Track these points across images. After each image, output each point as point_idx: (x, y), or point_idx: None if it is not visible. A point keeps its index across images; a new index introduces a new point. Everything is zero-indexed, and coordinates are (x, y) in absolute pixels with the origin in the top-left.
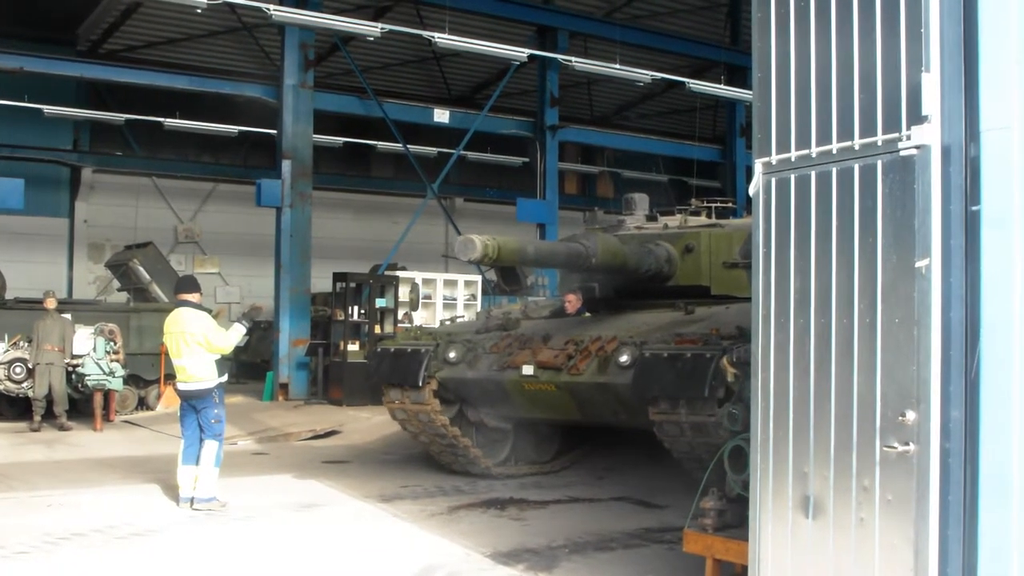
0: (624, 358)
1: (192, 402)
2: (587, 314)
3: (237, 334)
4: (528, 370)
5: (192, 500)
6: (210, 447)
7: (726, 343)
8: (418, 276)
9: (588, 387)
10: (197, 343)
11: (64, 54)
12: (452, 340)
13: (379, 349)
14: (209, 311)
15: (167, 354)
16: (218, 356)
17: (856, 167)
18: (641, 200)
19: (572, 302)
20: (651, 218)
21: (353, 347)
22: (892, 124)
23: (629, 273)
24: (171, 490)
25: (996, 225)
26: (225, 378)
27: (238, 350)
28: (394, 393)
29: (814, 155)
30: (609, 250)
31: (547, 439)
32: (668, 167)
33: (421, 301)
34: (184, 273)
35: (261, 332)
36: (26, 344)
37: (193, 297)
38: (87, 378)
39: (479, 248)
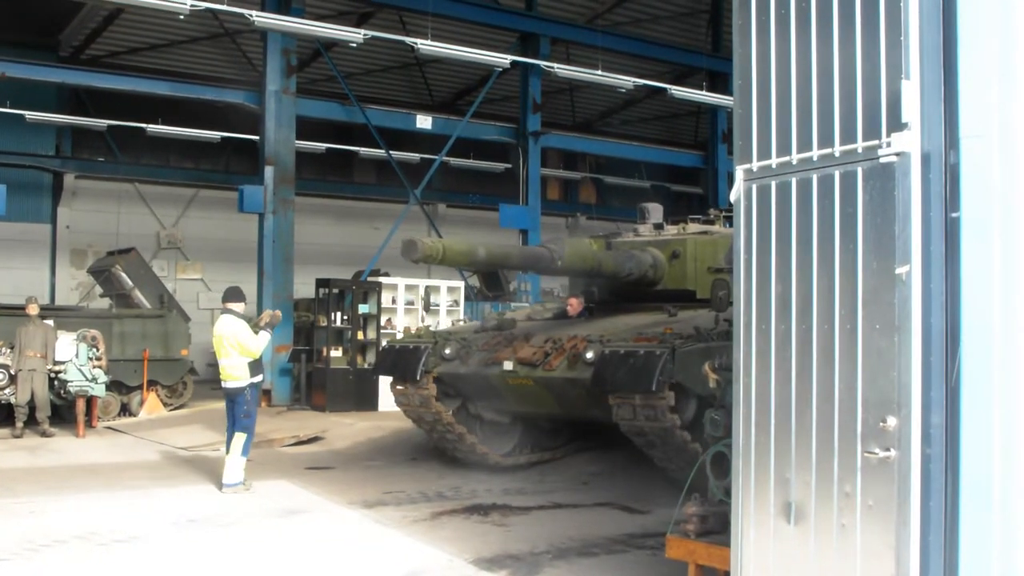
0: (589, 355)
1: (230, 397)
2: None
3: (264, 340)
4: (508, 365)
5: (221, 485)
6: (238, 438)
7: (677, 342)
8: (401, 282)
9: (560, 382)
10: (231, 346)
11: (46, 60)
12: (449, 338)
13: (386, 346)
14: (249, 319)
15: (149, 360)
16: (250, 359)
17: (837, 174)
18: (655, 209)
19: (574, 305)
20: (658, 226)
21: (336, 353)
22: (872, 131)
23: (607, 277)
24: (154, 496)
25: (975, 232)
26: (259, 379)
27: None
28: (398, 387)
29: (795, 162)
30: (578, 254)
31: (555, 430)
32: (651, 173)
33: (404, 307)
34: (163, 276)
35: None
36: (8, 350)
37: (237, 307)
38: (70, 384)
39: (420, 249)
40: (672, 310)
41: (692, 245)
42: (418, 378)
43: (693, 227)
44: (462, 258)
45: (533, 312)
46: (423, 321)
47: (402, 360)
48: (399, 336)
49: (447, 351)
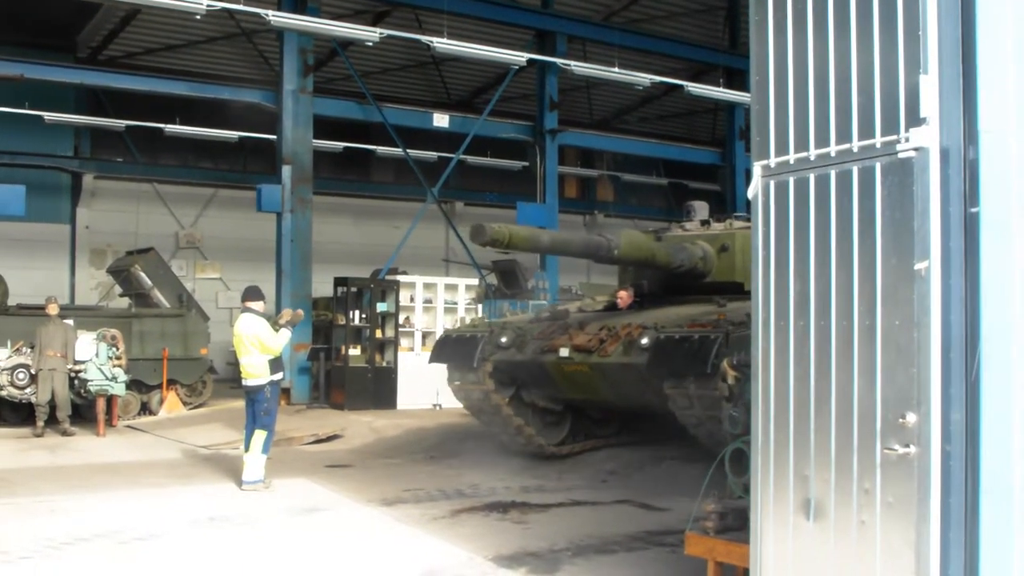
0: (645, 341)
1: (250, 395)
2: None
3: (284, 337)
4: (564, 352)
5: (241, 483)
6: (259, 436)
7: (731, 327)
8: (419, 280)
9: (615, 367)
10: (251, 344)
11: (64, 61)
12: (505, 328)
13: (442, 335)
14: (269, 317)
15: (169, 359)
16: (271, 357)
17: (855, 169)
18: (700, 207)
19: (624, 298)
20: (704, 223)
21: (354, 351)
22: (890, 126)
23: (660, 267)
24: (174, 495)
25: (995, 227)
26: (279, 376)
27: None
28: (454, 374)
29: (812, 158)
30: (633, 244)
31: (605, 420)
32: (668, 170)
33: (422, 305)
34: (182, 276)
35: None
36: (29, 350)
37: (257, 305)
38: (90, 383)
39: (488, 233)
40: (721, 301)
41: (741, 239)
42: (475, 366)
43: (739, 224)
44: (526, 243)
45: (584, 305)
46: (407, 323)
47: (459, 348)
48: (417, 335)
49: (503, 339)
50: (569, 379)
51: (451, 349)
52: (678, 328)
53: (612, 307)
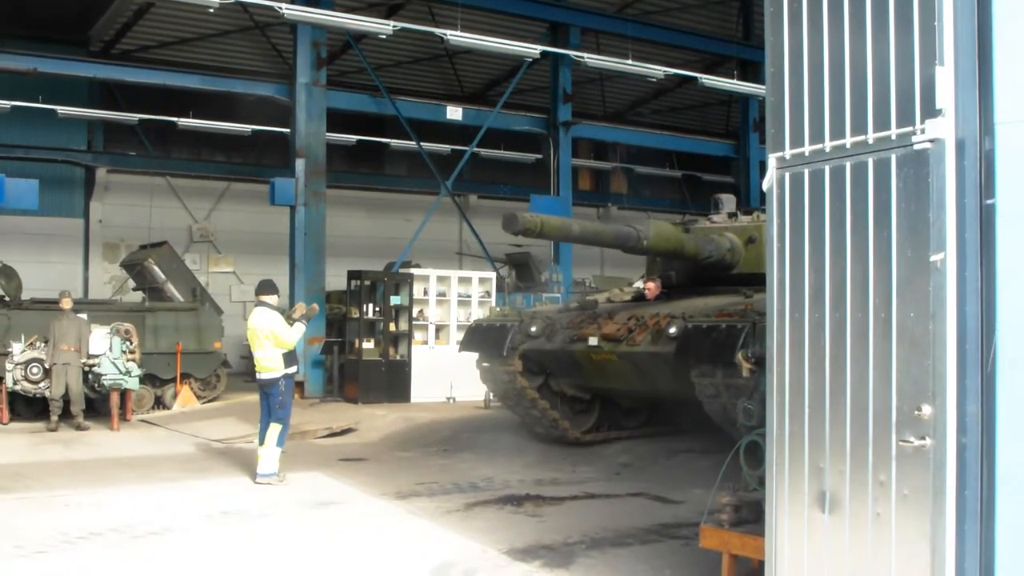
0: (672, 330)
1: (264, 389)
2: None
3: (298, 331)
4: (593, 341)
5: (256, 476)
6: (274, 429)
7: (758, 317)
8: (432, 273)
9: (643, 356)
10: (265, 338)
11: (77, 55)
12: (534, 317)
13: (473, 324)
14: (281, 311)
15: (182, 353)
16: (285, 350)
17: (870, 161)
18: (728, 200)
19: (651, 289)
20: (732, 215)
21: (368, 345)
22: (906, 118)
23: (688, 259)
24: (188, 488)
25: (1011, 219)
26: (293, 370)
27: None
28: (484, 362)
29: (828, 149)
30: (662, 235)
31: (633, 410)
32: (681, 163)
33: (436, 298)
34: (196, 270)
35: None
36: (43, 344)
37: (271, 299)
38: (103, 378)
39: (520, 222)
40: (748, 292)
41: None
42: (504, 354)
43: (765, 217)
44: (558, 232)
45: (612, 295)
46: (420, 316)
47: (489, 337)
48: (431, 328)
49: (533, 329)
50: (597, 367)
51: (481, 337)
52: (706, 318)
53: (640, 298)
